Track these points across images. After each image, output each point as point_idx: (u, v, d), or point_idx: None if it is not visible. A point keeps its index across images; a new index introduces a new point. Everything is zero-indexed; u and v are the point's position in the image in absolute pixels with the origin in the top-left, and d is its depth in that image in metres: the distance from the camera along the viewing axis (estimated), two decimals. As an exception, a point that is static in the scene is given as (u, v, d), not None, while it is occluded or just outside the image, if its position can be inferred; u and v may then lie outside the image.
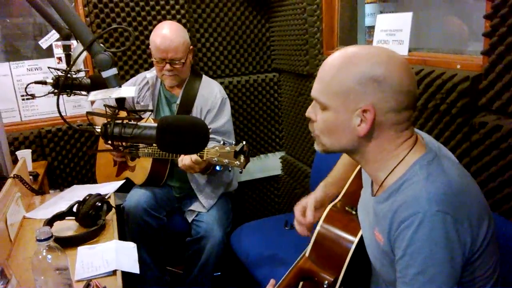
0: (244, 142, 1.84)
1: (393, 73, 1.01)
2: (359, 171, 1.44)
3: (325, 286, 1.27)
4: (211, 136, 2.19)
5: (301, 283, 1.37)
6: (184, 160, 2.03)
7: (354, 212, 1.35)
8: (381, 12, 2.42)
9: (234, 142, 1.89)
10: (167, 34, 2.17)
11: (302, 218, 1.48)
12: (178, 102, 2.30)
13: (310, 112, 1.15)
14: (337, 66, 1.06)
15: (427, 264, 0.96)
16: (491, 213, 1.06)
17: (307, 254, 1.35)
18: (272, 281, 1.46)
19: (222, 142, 1.90)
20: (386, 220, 1.05)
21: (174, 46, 2.16)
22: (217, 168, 1.90)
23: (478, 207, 1.02)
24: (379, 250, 1.13)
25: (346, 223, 1.32)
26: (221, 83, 2.79)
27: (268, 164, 3.13)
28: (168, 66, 2.20)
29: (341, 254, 1.27)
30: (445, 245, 0.95)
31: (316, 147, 1.17)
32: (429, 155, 1.05)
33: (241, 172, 1.87)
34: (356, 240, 1.26)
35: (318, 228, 1.34)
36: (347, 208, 1.38)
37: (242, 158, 1.82)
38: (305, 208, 1.48)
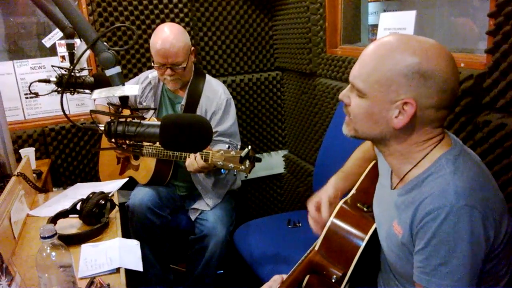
0: (249, 147, 1.83)
1: (441, 70, 0.99)
2: (373, 167, 1.44)
3: (333, 280, 1.27)
4: (217, 138, 2.19)
5: (307, 276, 1.37)
6: (191, 165, 2.02)
7: (365, 209, 1.35)
8: (384, 11, 2.41)
9: (240, 144, 1.89)
10: (167, 39, 2.12)
11: (317, 215, 1.45)
12: (183, 103, 2.29)
13: (344, 95, 1.13)
14: (383, 54, 1.04)
15: (451, 256, 0.96)
16: (508, 212, 1.06)
17: (316, 248, 1.35)
18: (275, 277, 1.46)
19: (227, 145, 1.89)
20: (408, 212, 1.05)
21: (174, 51, 2.12)
22: (222, 171, 1.90)
23: (500, 204, 1.02)
24: (397, 243, 1.12)
25: (357, 220, 1.32)
26: (224, 82, 2.80)
27: (271, 163, 3.14)
28: (169, 71, 2.18)
29: (351, 251, 1.27)
30: (469, 239, 0.95)
31: (345, 130, 1.16)
32: (455, 150, 1.05)
33: (246, 177, 1.86)
34: (366, 237, 1.26)
35: (329, 223, 1.34)
36: (358, 205, 1.38)
37: (247, 163, 1.82)
38: (319, 205, 1.46)
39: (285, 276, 1.44)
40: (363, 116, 1.08)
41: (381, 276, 1.34)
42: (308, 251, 1.43)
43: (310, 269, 1.36)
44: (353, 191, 1.45)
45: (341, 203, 1.39)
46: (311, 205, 1.48)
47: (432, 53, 1.00)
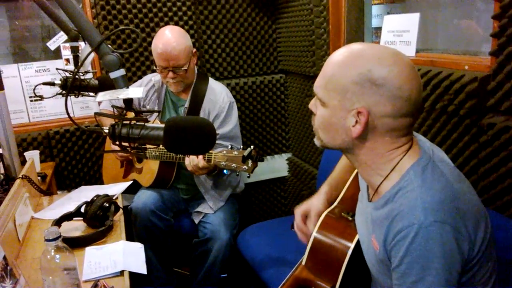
0: (252, 147, 1.83)
1: (395, 77, 0.98)
2: (357, 174, 1.42)
3: None
4: (218, 141, 2.19)
5: None
6: (192, 162, 2.02)
7: (350, 218, 1.33)
8: (388, 13, 2.41)
9: (241, 147, 1.89)
10: (168, 42, 2.13)
11: (303, 226, 1.44)
12: (186, 105, 2.30)
13: (312, 105, 1.14)
14: (339, 63, 1.04)
15: (425, 273, 0.95)
16: (487, 214, 1.04)
17: (303, 263, 1.33)
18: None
19: (230, 146, 1.90)
20: (382, 229, 1.04)
21: (175, 54, 2.13)
22: (225, 172, 1.90)
23: (474, 211, 1.00)
24: (375, 257, 1.11)
25: (342, 230, 1.29)
26: (228, 85, 2.80)
27: (275, 166, 3.13)
28: (171, 74, 2.19)
29: (338, 261, 1.24)
30: (442, 255, 0.93)
31: (315, 141, 1.17)
32: (423, 160, 1.03)
33: (248, 177, 1.86)
34: (352, 246, 1.24)
35: (313, 235, 1.32)
36: (343, 214, 1.35)
37: (250, 162, 1.82)
38: (306, 214, 1.45)
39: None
40: (325, 125, 1.09)
41: (372, 285, 1.33)
42: (295, 267, 1.41)
43: (298, 286, 1.33)
44: (338, 200, 1.43)
45: (325, 213, 1.37)
46: (298, 214, 1.47)
47: (386, 61, 0.99)
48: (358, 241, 1.25)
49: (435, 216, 0.94)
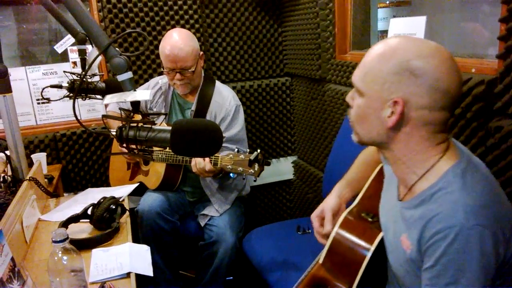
0: (259, 150, 1.83)
1: (433, 69, 0.98)
2: (378, 173, 1.42)
3: None
4: (224, 144, 2.20)
5: None
6: (198, 165, 2.03)
7: (370, 219, 1.33)
8: (394, 16, 2.41)
9: (248, 150, 1.89)
10: (175, 44, 2.15)
11: (321, 229, 1.44)
12: (193, 108, 2.31)
13: (349, 97, 1.15)
14: (379, 53, 1.05)
15: (460, 275, 0.95)
16: None
17: (320, 261, 1.33)
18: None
19: (236, 149, 1.90)
20: (416, 228, 1.04)
21: (183, 56, 2.14)
22: (231, 175, 1.90)
23: (510, 216, 1.00)
24: (404, 257, 1.11)
25: (362, 231, 1.30)
26: (234, 88, 2.81)
27: (280, 169, 3.13)
28: (178, 76, 2.20)
29: (356, 263, 1.24)
30: (479, 258, 0.94)
31: (352, 137, 1.17)
32: (462, 164, 1.03)
33: (255, 181, 1.86)
34: (372, 248, 1.24)
35: (333, 235, 1.32)
36: (363, 215, 1.35)
37: (256, 166, 1.82)
38: (322, 216, 1.45)
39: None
40: (360, 116, 1.10)
41: (389, 286, 1.32)
42: (312, 265, 1.41)
43: (314, 284, 1.33)
44: (357, 200, 1.43)
45: (345, 213, 1.37)
46: (315, 218, 1.47)
47: (425, 52, 1.00)
48: (377, 244, 1.25)
49: (477, 219, 0.94)
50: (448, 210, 0.97)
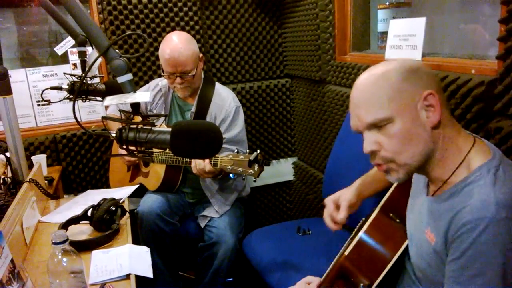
0: (258, 151, 1.83)
1: (414, 62, 1.09)
2: None
3: None
4: (224, 146, 2.20)
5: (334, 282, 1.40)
6: (198, 165, 2.03)
7: (398, 221, 1.35)
8: (394, 18, 2.41)
9: (247, 151, 1.89)
10: (175, 48, 2.14)
11: (335, 213, 1.46)
12: (193, 110, 2.31)
13: (369, 145, 1.10)
14: (373, 81, 1.09)
15: (486, 268, 0.95)
16: None
17: (346, 253, 1.35)
18: (307, 278, 1.48)
19: (236, 150, 1.90)
20: (444, 220, 1.05)
21: (183, 60, 2.14)
22: (231, 176, 1.90)
23: None
24: (428, 250, 1.12)
25: (390, 232, 1.33)
26: (234, 89, 2.81)
27: (280, 170, 3.13)
28: (178, 80, 2.19)
29: (381, 263, 1.28)
30: (507, 252, 0.94)
31: (396, 176, 1.11)
32: (496, 160, 1.04)
33: (255, 181, 1.86)
34: (398, 253, 1.27)
35: (363, 231, 1.35)
36: (391, 215, 1.38)
37: (256, 167, 1.82)
38: (337, 203, 1.47)
39: (315, 279, 1.47)
40: (404, 137, 1.06)
41: (402, 285, 1.33)
42: (338, 255, 1.45)
43: (341, 273, 1.37)
44: (385, 199, 1.44)
45: (376, 211, 1.39)
46: (330, 202, 1.49)
47: (399, 59, 1.15)
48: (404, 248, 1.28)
49: (508, 212, 0.94)
50: (478, 202, 0.98)
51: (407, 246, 1.29)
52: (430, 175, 1.14)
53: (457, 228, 1.00)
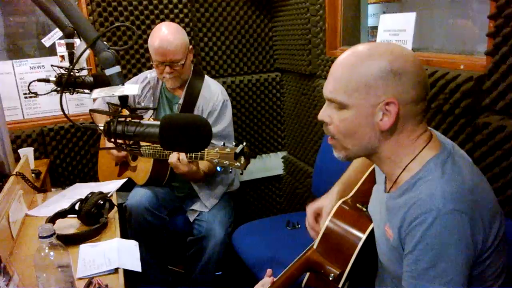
0: (244, 143, 1.84)
1: (410, 65, 1.03)
2: (373, 170, 1.44)
3: (330, 278, 1.28)
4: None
5: (307, 274, 1.38)
6: (171, 157, 2.02)
7: (364, 209, 1.36)
8: (384, 12, 2.41)
9: (234, 144, 1.89)
10: (165, 37, 2.13)
11: (315, 225, 1.45)
12: (180, 102, 2.30)
13: (323, 115, 1.13)
14: (354, 63, 1.06)
15: (438, 260, 0.96)
16: (502, 213, 1.06)
17: (314, 246, 1.36)
18: (269, 271, 1.46)
19: (222, 143, 1.90)
20: (398, 216, 1.06)
21: (172, 48, 2.13)
22: (218, 169, 1.91)
23: (490, 206, 1.02)
24: (388, 245, 1.13)
25: (356, 219, 1.33)
26: (224, 83, 2.80)
27: (270, 164, 3.13)
28: (168, 69, 2.18)
29: (349, 249, 1.28)
30: (457, 243, 0.95)
31: (338, 154, 1.15)
32: (444, 154, 1.05)
33: (241, 173, 1.86)
34: (364, 236, 1.27)
35: (327, 222, 1.35)
36: (358, 205, 1.38)
37: (242, 159, 1.82)
38: (318, 213, 1.46)
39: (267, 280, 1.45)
40: (349, 128, 1.08)
41: (378, 277, 1.34)
42: (307, 249, 1.44)
43: (307, 267, 1.36)
44: (353, 192, 1.45)
45: (339, 202, 1.39)
46: (310, 212, 1.48)
47: (397, 53, 1.04)
48: (370, 232, 1.28)
49: (454, 204, 0.96)
50: (426, 196, 0.99)
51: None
52: (383, 170, 1.16)
53: (409, 223, 1.01)
